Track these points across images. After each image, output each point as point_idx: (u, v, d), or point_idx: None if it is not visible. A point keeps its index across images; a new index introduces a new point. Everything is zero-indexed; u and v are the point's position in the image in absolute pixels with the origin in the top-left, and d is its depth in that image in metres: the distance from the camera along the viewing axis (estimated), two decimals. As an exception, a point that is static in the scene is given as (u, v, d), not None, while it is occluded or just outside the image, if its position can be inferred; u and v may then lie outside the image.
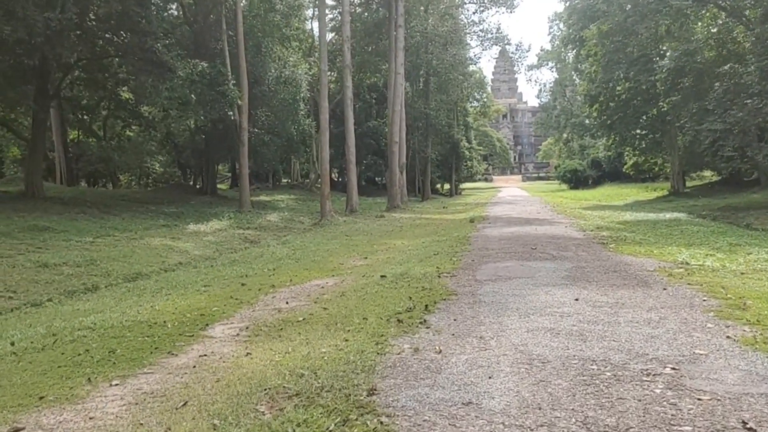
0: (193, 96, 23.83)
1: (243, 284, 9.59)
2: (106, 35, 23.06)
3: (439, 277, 8.77)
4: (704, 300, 6.44)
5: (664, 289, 7.13)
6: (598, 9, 27.25)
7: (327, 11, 41.11)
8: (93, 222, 19.73)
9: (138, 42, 22.31)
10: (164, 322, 6.90)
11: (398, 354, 4.87)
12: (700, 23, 23.36)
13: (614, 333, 5.17)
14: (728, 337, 4.93)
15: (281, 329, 6.25)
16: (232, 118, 26.22)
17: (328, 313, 6.83)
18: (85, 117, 35.64)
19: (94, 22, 23.17)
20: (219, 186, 46.65)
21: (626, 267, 8.96)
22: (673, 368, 4.15)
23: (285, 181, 57.23)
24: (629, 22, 21.25)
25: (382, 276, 9.22)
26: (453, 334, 5.43)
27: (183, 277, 11.56)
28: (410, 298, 7.20)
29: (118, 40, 23.09)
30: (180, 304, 8.10)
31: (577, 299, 6.65)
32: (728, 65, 20.70)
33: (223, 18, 26.97)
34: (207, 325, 6.72)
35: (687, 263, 9.20)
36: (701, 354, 4.47)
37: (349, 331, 5.83)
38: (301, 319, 6.65)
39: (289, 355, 5.16)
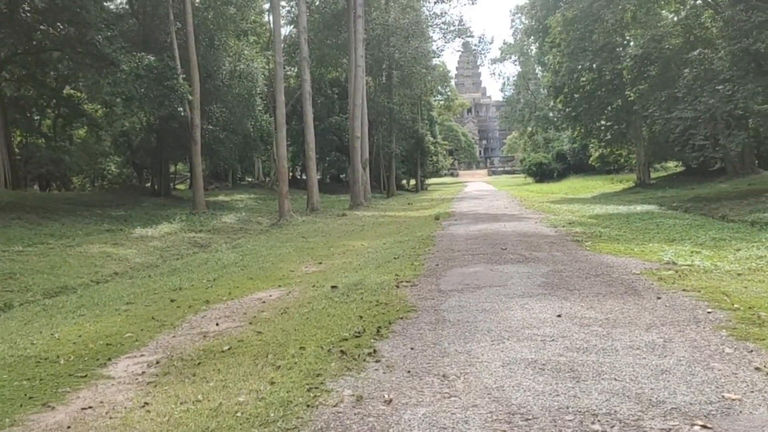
0: (139, 91, 22.26)
1: (173, 300, 8.30)
2: (41, 27, 21.34)
3: (397, 287, 7.61)
4: (709, 312, 5.40)
5: (658, 297, 6.08)
6: (562, -4, 26.36)
7: (284, 3, 39.70)
8: (28, 229, 18.12)
9: (77, 34, 20.71)
10: (57, 356, 5.60)
11: (334, 406, 3.68)
12: (666, 8, 22.65)
13: (613, 366, 4.06)
14: (757, 368, 3.87)
15: (199, 364, 5.02)
16: (182, 114, 24.64)
17: (261, 339, 5.62)
18: (36, 117, 33.51)
19: (28, 14, 21.49)
20: (179, 186, 44.91)
21: (608, 270, 7.93)
22: (704, 427, 3.05)
23: (249, 179, 55.65)
24: (595, 7, 20.35)
25: (333, 287, 8.04)
26: (409, 372, 4.26)
27: (111, 290, 10.19)
28: (361, 317, 6.03)
29: (55, 32, 21.42)
30: (88, 329, 6.79)
31: (559, 315, 5.54)
32: (697, 51, 19.99)
33: (171, 9, 25.35)
34: (110, 359, 5.45)
35: (674, 263, 8.22)
36: (734, 399, 3.39)
37: (279, 367, 4.63)
38: (226, 348, 5.43)
39: (195, 406, 3.94)
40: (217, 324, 6.59)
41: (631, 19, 22.85)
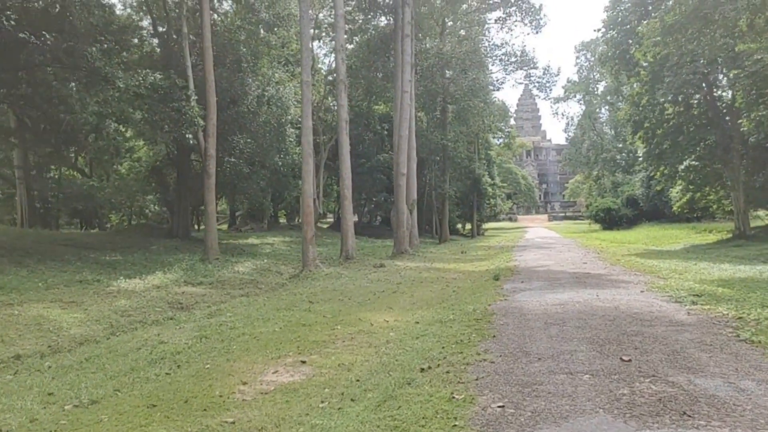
0: (139, 112, 18.53)
1: None
2: (22, 36, 17.95)
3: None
4: None
5: None
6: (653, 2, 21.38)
7: (327, 26, 36.25)
8: (-26, 278, 14.24)
9: (68, 46, 17.26)
10: None
11: None
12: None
13: None
14: None
15: None
16: (192, 141, 20.74)
17: None
18: (71, 153, 30.58)
19: (12, 23, 18.23)
20: (221, 227, 41.12)
21: None
22: None
23: (297, 220, 52.22)
24: (709, 5, 15.46)
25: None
26: None
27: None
28: None
29: (38, 42, 18.00)
30: None
31: None
32: None
33: (185, 21, 21.75)
34: None
35: None
36: None
37: None
38: None
39: None
40: None
41: (747, 28, 17.85)
